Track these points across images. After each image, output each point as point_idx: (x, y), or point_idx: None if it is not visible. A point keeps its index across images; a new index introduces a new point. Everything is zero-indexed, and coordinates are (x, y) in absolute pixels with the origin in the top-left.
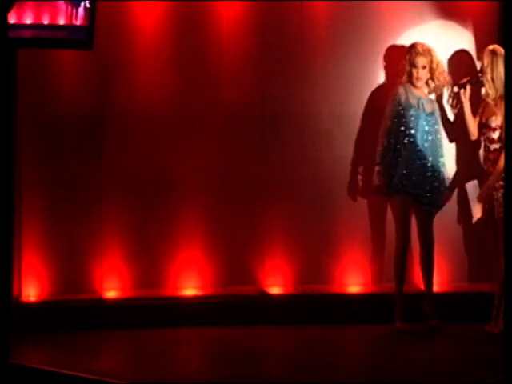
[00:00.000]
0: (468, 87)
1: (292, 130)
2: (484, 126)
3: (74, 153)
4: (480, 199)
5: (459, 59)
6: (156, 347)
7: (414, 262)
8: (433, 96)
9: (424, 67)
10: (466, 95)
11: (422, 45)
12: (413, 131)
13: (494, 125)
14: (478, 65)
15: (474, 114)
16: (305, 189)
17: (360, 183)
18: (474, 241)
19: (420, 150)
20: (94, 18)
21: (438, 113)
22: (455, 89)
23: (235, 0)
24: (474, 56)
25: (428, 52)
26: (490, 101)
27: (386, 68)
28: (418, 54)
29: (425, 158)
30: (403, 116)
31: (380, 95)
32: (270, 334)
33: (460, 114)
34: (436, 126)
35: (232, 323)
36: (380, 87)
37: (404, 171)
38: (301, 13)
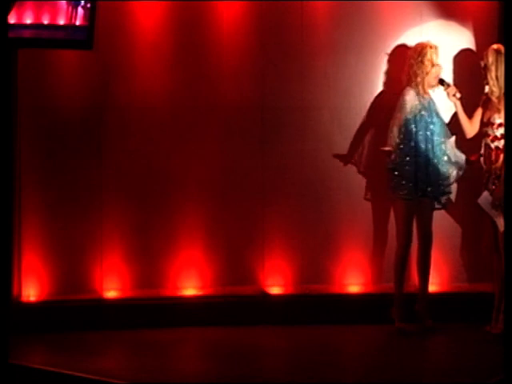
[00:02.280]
0: (453, 87)
1: (292, 130)
2: (486, 124)
3: (74, 153)
4: (496, 207)
5: (463, 58)
6: (156, 347)
7: (413, 262)
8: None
9: (421, 66)
10: (451, 94)
11: (421, 43)
12: (426, 133)
13: (497, 122)
14: (482, 63)
15: (472, 112)
16: (305, 189)
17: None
18: (474, 241)
19: (432, 151)
20: (93, 18)
21: (441, 112)
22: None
23: (235, 0)
24: (477, 55)
25: (425, 46)
26: (494, 99)
27: (386, 67)
28: (436, 52)
29: (436, 158)
30: (416, 119)
31: (381, 95)
32: (270, 334)
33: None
34: (441, 126)
35: (232, 323)
36: (380, 87)
37: (421, 175)
38: (301, 13)
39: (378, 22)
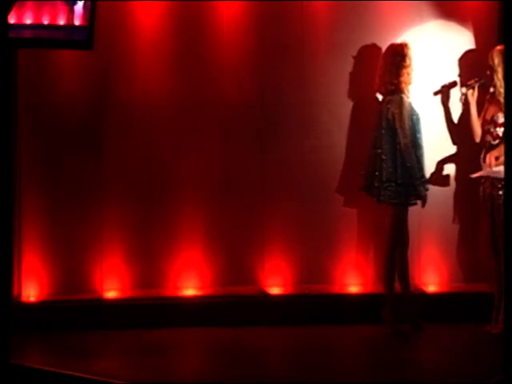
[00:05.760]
0: (476, 88)
1: (292, 131)
2: (489, 122)
3: (74, 153)
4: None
5: (467, 59)
6: (156, 347)
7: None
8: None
9: (405, 67)
10: (473, 96)
11: (400, 44)
12: (399, 136)
13: (501, 120)
14: (487, 64)
15: (479, 114)
16: (305, 189)
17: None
18: (472, 240)
19: (406, 154)
20: (93, 18)
21: (417, 113)
22: (463, 90)
23: (235, 0)
24: (480, 56)
25: (406, 46)
26: (500, 99)
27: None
28: (401, 54)
29: (410, 162)
30: (390, 121)
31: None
32: (269, 334)
33: (464, 115)
34: (417, 127)
35: (232, 323)
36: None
37: (397, 178)
38: (301, 13)
39: (378, 21)
